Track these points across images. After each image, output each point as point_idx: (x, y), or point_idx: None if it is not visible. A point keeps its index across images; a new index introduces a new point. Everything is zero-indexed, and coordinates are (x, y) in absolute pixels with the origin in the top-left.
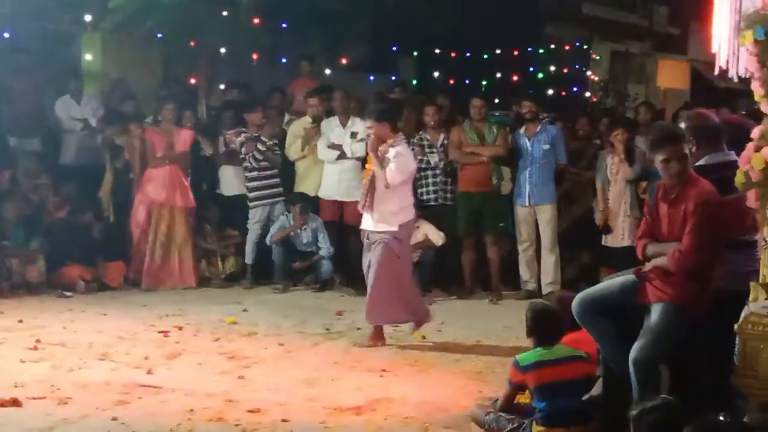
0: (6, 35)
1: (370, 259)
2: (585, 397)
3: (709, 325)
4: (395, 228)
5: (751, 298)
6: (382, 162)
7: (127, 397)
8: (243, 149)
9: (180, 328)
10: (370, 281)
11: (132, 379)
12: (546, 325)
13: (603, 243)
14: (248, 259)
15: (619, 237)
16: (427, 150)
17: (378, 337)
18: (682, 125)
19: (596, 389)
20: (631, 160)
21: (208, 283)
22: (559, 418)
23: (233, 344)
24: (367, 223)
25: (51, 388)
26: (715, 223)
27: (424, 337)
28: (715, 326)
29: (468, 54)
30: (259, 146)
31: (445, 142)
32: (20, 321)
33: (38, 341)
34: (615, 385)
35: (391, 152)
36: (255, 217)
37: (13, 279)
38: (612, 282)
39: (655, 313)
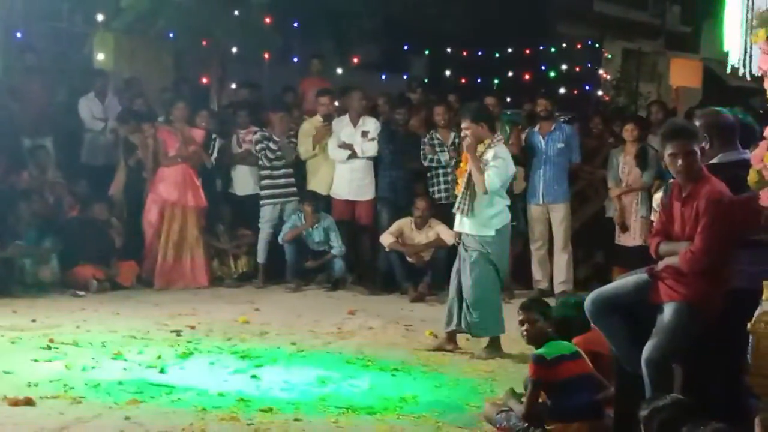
0: (18, 35)
1: (461, 268)
2: (598, 396)
3: (722, 324)
4: (492, 233)
5: (764, 296)
6: (479, 164)
7: (139, 397)
8: (257, 147)
9: (192, 328)
10: (467, 293)
11: (144, 378)
12: (564, 331)
13: (616, 241)
14: (260, 258)
15: (632, 236)
16: (438, 149)
17: (497, 349)
18: (697, 123)
19: (609, 389)
20: (644, 165)
21: (221, 283)
22: (573, 413)
23: (245, 343)
24: (463, 226)
25: (64, 387)
26: (726, 222)
27: (436, 337)
28: (728, 325)
29: (479, 53)
30: (272, 145)
31: (456, 140)
32: (33, 320)
33: (51, 340)
34: (627, 384)
35: (489, 153)
36: (266, 215)
37: (26, 278)
38: (625, 281)
39: (668, 312)
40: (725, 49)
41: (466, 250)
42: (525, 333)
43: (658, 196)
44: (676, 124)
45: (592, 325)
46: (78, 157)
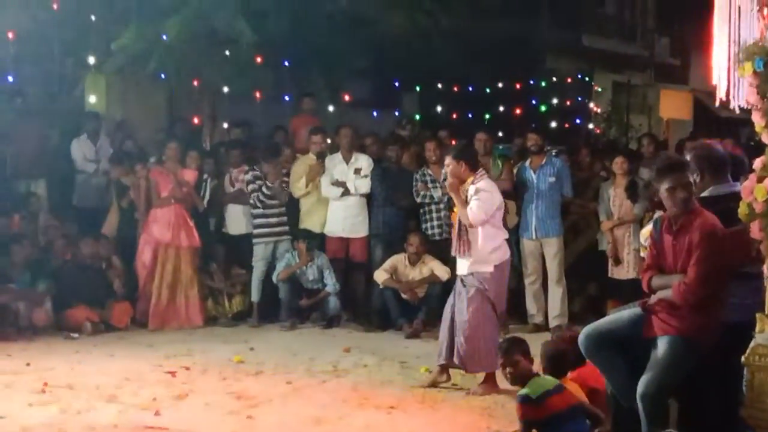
0: (9, 79)
1: (456, 304)
2: None
3: (716, 357)
4: (490, 269)
5: (757, 329)
6: (464, 201)
7: None
8: (249, 188)
9: (187, 368)
10: (463, 328)
11: (140, 421)
12: (560, 364)
13: (609, 274)
14: (254, 297)
15: (625, 269)
16: (430, 185)
17: (493, 386)
18: (687, 156)
19: (605, 424)
20: (634, 197)
21: (215, 322)
22: None
23: (241, 383)
24: (462, 267)
25: (59, 431)
26: (719, 255)
27: (430, 372)
28: (723, 358)
29: (470, 88)
30: (264, 189)
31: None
32: (28, 364)
33: (46, 384)
34: (623, 419)
35: (471, 189)
36: (258, 254)
37: (20, 322)
38: (618, 315)
39: (662, 346)
40: (713, 82)
41: (464, 286)
42: (509, 375)
43: (645, 230)
44: (671, 159)
45: (586, 360)
46: (71, 199)
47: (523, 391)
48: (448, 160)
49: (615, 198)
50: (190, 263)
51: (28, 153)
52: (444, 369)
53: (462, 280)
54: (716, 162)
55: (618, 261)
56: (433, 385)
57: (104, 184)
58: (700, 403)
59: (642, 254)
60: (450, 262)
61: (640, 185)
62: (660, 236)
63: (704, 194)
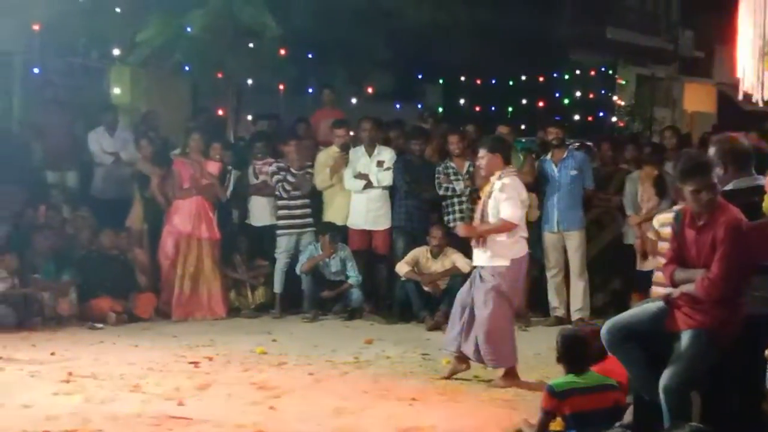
0: (36, 71)
1: (474, 297)
2: (616, 426)
3: (739, 350)
4: (506, 263)
5: None
6: (488, 230)
7: (158, 429)
8: (273, 179)
9: (210, 359)
10: (483, 326)
11: (163, 411)
12: (576, 352)
13: (638, 267)
14: (277, 288)
15: (652, 263)
16: (452, 177)
17: (514, 378)
18: (712, 149)
19: (627, 417)
20: (662, 192)
21: (238, 314)
22: None
23: (263, 374)
24: (480, 259)
25: (83, 420)
26: (744, 249)
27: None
28: (746, 352)
29: (493, 81)
30: (289, 177)
31: (471, 169)
32: (52, 354)
33: (70, 374)
34: (646, 412)
35: (497, 185)
36: (282, 246)
37: (45, 312)
38: (641, 309)
39: (685, 339)
40: (738, 75)
41: (482, 280)
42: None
43: (662, 217)
44: (696, 160)
45: (608, 353)
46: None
47: (553, 381)
48: (482, 152)
49: (643, 192)
50: (211, 255)
51: (57, 144)
52: (461, 358)
53: (479, 272)
54: (740, 155)
55: (646, 255)
56: (453, 375)
57: (124, 175)
58: (722, 396)
59: (651, 237)
60: (471, 255)
61: (667, 180)
62: (681, 230)
63: (728, 187)
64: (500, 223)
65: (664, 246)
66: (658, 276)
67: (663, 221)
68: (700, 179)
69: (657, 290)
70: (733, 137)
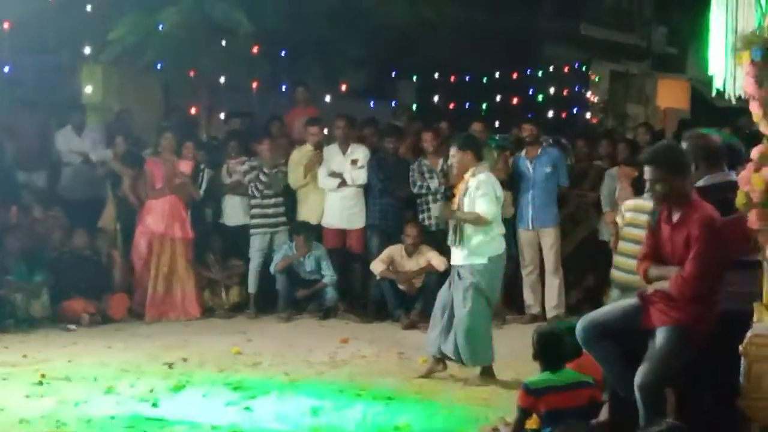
0: (5, 70)
1: (454, 297)
2: (592, 422)
3: (714, 347)
4: (484, 260)
5: (755, 318)
6: (464, 216)
7: (132, 431)
8: (246, 178)
9: (185, 360)
10: (461, 325)
11: (138, 412)
12: (552, 349)
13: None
14: (251, 288)
15: None
16: (426, 175)
17: (490, 376)
18: (683, 145)
19: (603, 414)
20: (640, 189)
21: (212, 314)
22: None
23: (238, 375)
24: (457, 257)
25: (56, 423)
26: (717, 249)
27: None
28: (720, 348)
29: (467, 78)
30: (261, 176)
31: (445, 166)
32: (24, 356)
33: (43, 376)
34: (621, 409)
35: (473, 182)
36: (255, 245)
37: (17, 314)
38: (616, 305)
39: (660, 336)
40: (710, 72)
41: (460, 278)
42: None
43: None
44: (654, 151)
45: (583, 350)
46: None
47: (529, 379)
48: (453, 150)
49: (621, 190)
50: (185, 254)
51: (28, 144)
52: (439, 359)
53: (458, 271)
54: (711, 151)
55: None
56: (430, 374)
57: (93, 175)
58: (697, 392)
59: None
60: (446, 253)
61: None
62: (658, 225)
63: (699, 183)
64: (474, 216)
65: (631, 231)
66: (617, 260)
67: (631, 207)
68: (651, 170)
69: (615, 273)
70: (704, 134)
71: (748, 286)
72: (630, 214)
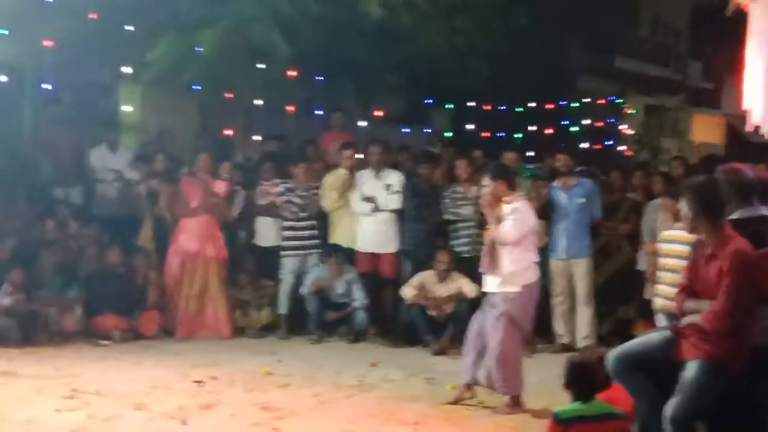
0: (48, 87)
1: (484, 324)
2: None
3: (746, 381)
4: (517, 289)
5: None
6: (499, 220)
7: None
8: (280, 200)
9: (214, 378)
10: (493, 353)
11: (166, 430)
12: (584, 379)
13: (646, 296)
14: (282, 309)
15: None
16: (459, 202)
17: (519, 405)
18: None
19: None
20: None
21: (243, 334)
22: None
23: (267, 395)
24: (490, 285)
25: None
26: (749, 279)
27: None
28: (752, 383)
29: (502, 107)
30: (295, 199)
31: (478, 194)
32: (57, 369)
33: (74, 390)
34: None
35: (508, 209)
36: (286, 267)
37: (50, 327)
38: (648, 337)
39: (692, 369)
40: (745, 107)
41: (492, 306)
42: None
43: (666, 234)
44: (692, 185)
45: (612, 382)
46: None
47: (558, 408)
48: (486, 180)
49: (663, 222)
50: (217, 274)
51: (65, 161)
52: (469, 386)
53: (489, 301)
54: (743, 186)
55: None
56: (458, 401)
57: (127, 193)
58: (728, 427)
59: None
60: (478, 280)
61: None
62: (697, 259)
63: (732, 217)
64: (501, 235)
65: (668, 262)
66: (659, 289)
67: (667, 237)
68: (692, 203)
69: (658, 302)
70: (737, 168)
71: None
72: (667, 246)
